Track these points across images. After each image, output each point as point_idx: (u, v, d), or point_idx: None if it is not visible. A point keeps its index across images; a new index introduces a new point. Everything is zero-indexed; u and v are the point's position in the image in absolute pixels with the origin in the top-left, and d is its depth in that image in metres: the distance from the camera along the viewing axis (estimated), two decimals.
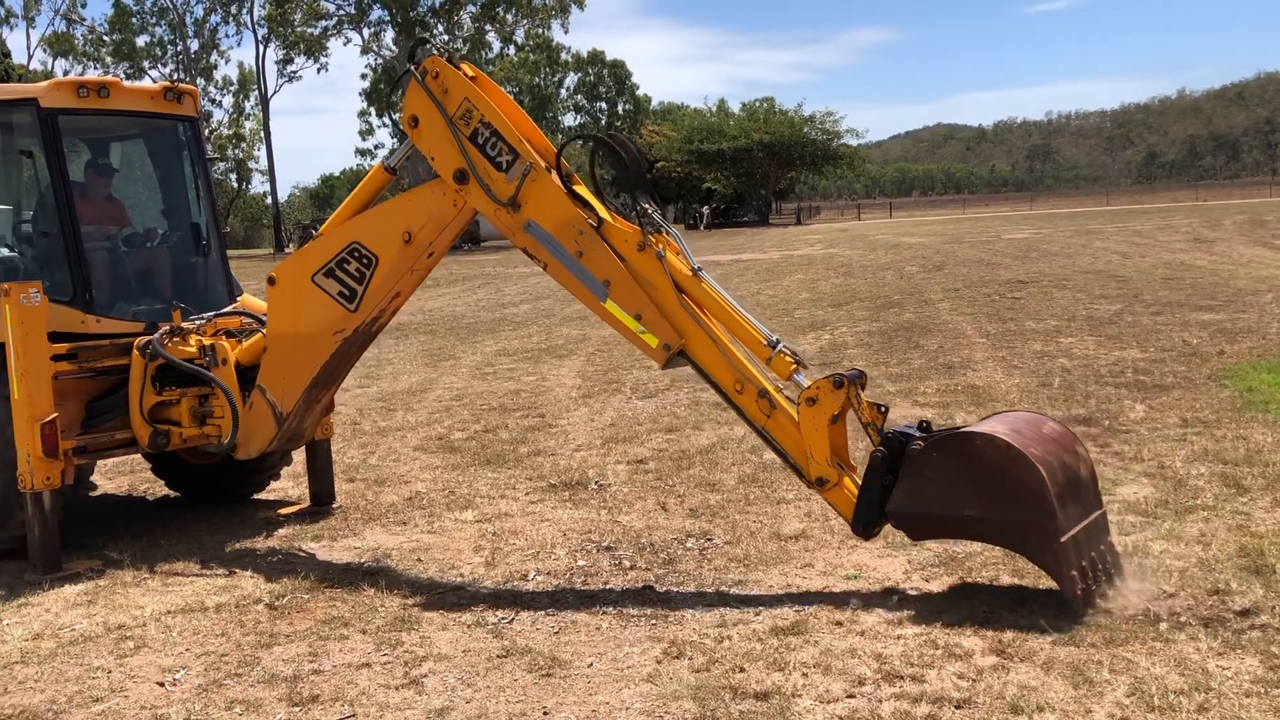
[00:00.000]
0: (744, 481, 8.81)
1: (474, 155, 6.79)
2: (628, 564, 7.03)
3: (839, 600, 6.05)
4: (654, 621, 5.95)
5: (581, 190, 6.80)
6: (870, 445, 6.08)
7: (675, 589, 6.49)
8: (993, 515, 5.71)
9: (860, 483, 6.14)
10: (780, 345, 6.35)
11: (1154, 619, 5.48)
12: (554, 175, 6.74)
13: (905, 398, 11.69)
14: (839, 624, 5.70)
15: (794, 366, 6.30)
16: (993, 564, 6.45)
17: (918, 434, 5.99)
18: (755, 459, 9.41)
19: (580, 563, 7.11)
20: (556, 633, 5.89)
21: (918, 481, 5.88)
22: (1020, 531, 5.66)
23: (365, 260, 7.26)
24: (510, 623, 6.07)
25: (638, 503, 8.46)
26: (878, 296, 22.82)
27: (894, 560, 6.70)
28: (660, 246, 6.53)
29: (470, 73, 6.97)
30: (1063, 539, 5.53)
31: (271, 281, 7.69)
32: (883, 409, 6.10)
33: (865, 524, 6.12)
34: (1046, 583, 5.91)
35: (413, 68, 6.93)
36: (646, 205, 6.60)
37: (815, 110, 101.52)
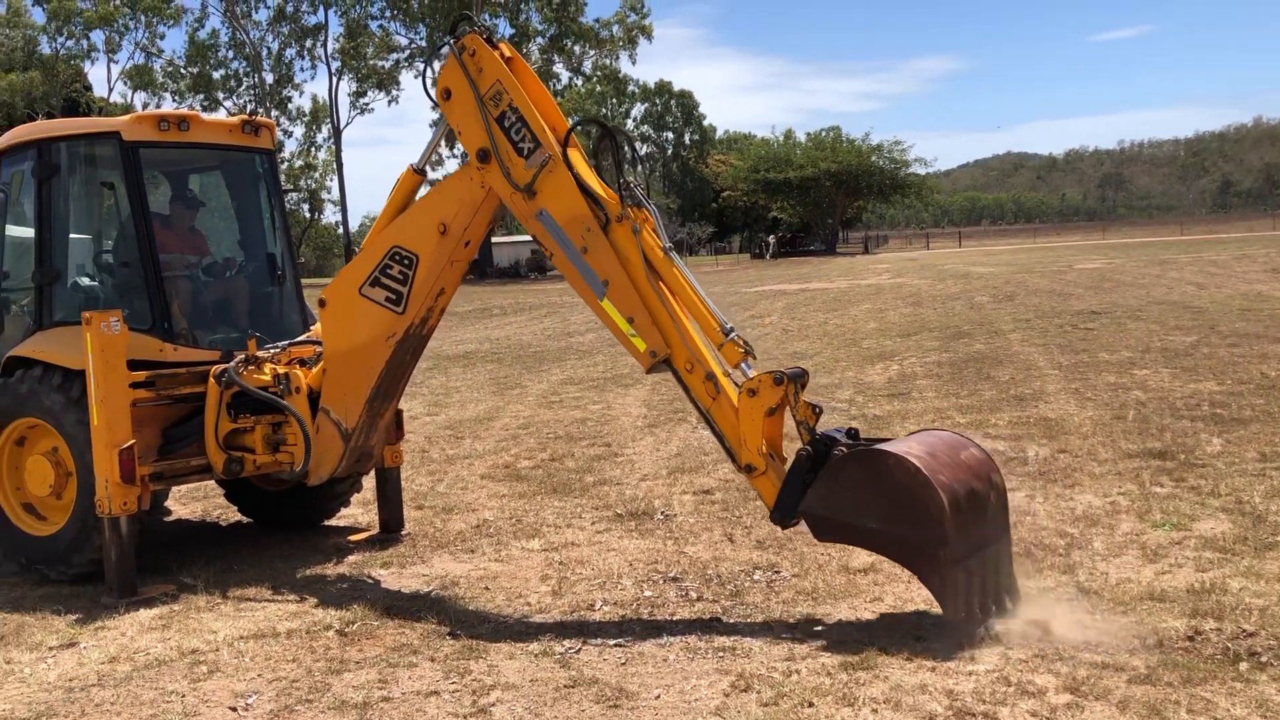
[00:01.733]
0: None
1: (498, 136, 6.98)
2: (694, 595, 7.01)
3: (909, 635, 5.98)
4: (721, 654, 5.92)
5: (576, 158, 6.93)
6: (802, 442, 6.28)
7: (743, 621, 6.46)
8: (891, 531, 5.95)
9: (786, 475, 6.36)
10: (733, 334, 6.59)
11: (1234, 658, 5.36)
12: (569, 169, 6.90)
13: (976, 429, 11.54)
14: (909, 659, 5.63)
15: (743, 356, 6.53)
16: (1066, 600, 6.35)
17: (844, 440, 6.25)
18: None
19: (647, 593, 7.10)
20: (623, 664, 5.88)
21: (832, 487, 6.13)
22: (913, 550, 5.91)
23: (406, 261, 7.42)
24: (577, 653, 6.07)
25: (704, 533, 8.44)
26: (947, 327, 22.62)
27: None
28: (638, 222, 6.74)
29: (506, 53, 7.15)
30: (952, 564, 5.72)
31: (323, 304, 7.84)
32: (817, 410, 6.36)
33: (783, 514, 6.35)
34: (1122, 620, 5.82)
35: (451, 42, 7.14)
36: (631, 179, 6.81)
37: (883, 139, 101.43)
